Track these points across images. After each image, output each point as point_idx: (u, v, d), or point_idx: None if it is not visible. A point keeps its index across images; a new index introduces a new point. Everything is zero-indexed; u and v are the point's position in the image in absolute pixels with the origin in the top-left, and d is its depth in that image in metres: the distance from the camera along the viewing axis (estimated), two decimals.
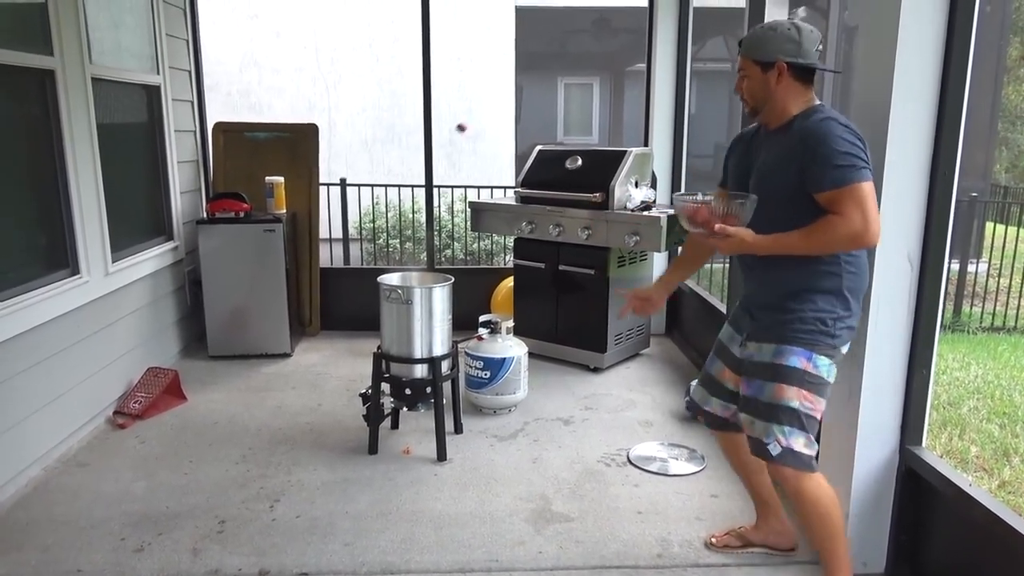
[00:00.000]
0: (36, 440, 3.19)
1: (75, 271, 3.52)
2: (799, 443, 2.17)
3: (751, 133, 2.39)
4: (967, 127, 2.26)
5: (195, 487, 3.08)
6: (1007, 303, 7.86)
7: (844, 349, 2.25)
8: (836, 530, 2.23)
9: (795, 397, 2.17)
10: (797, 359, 2.17)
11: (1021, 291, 7.81)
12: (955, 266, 7.97)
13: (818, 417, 2.21)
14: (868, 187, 2.03)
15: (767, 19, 3.76)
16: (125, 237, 4.05)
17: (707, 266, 7.23)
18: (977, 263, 8.68)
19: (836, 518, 2.23)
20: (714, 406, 2.51)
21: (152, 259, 4.32)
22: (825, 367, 2.18)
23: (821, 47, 2.19)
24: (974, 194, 8.60)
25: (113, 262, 3.82)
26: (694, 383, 2.66)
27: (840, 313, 2.17)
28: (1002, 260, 8.30)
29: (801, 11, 11.12)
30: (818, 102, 2.20)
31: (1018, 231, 8.47)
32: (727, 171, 2.46)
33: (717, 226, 2.13)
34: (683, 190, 5.12)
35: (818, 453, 2.23)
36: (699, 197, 2.24)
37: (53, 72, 3.36)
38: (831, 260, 2.15)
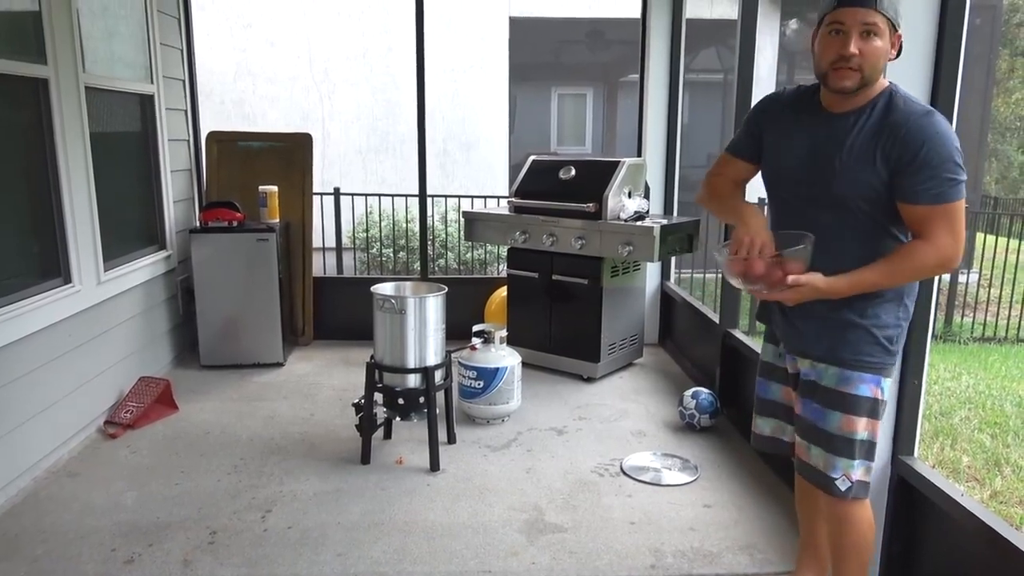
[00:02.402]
0: (26, 450, 3.17)
1: (67, 280, 3.51)
2: (862, 472, 2.01)
3: (795, 101, 2.04)
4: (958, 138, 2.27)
5: (186, 498, 3.06)
6: (998, 313, 7.91)
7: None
8: (865, 562, 2.12)
9: (865, 428, 1.98)
10: (867, 387, 1.96)
11: (1012, 302, 7.86)
12: (946, 276, 8.02)
13: (877, 440, 2.05)
14: (963, 206, 1.80)
15: (759, 30, 3.78)
16: (117, 246, 4.04)
17: (699, 275, 7.25)
18: (968, 273, 8.74)
19: (869, 550, 2.12)
20: (791, 434, 2.20)
21: (144, 268, 4.30)
22: (888, 388, 2.01)
23: None
24: (965, 205, 8.65)
25: (105, 271, 3.81)
26: (756, 419, 2.32)
27: (903, 325, 1.97)
28: (992, 270, 8.36)
29: (793, 23, 11.21)
30: (886, 82, 1.91)
31: (1008, 242, 8.53)
32: (755, 140, 2.12)
33: (791, 278, 1.81)
34: (676, 205, 5.14)
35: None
36: (744, 254, 1.88)
37: (46, 81, 3.36)
38: None
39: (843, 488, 2.01)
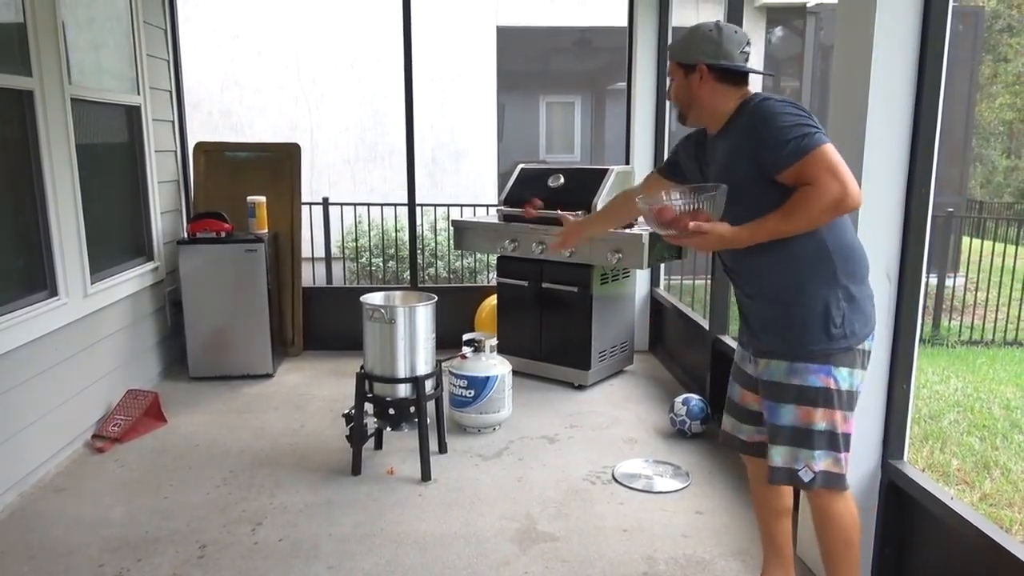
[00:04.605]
0: (12, 465, 3.13)
1: (53, 293, 3.48)
2: (828, 463, 2.03)
3: (700, 134, 2.29)
4: (942, 144, 2.30)
5: (175, 511, 3.04)
6: (984, 316, 7.97)
7: (867, 345, 2.06)
8: (855, 558, 2.11)
9: (822, 419, 2.01)
10: (816, 377, 2.01)
11: (998, 305, 7.92)
12: (933, 280, 8.08)
13: (849, 431, 2.05)
14: (830, 148, 1.90)
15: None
16: (104, 258, 4.01)
17: (689, 282, 7.26)
18: (955, 277, 8.81)
19: (857, 545, 2.11)
20: (748, 433, 2.30)
21: (132, 280, 4.28)
22: (847, 378, 2.02)
23: (748, 49, 2.10)
24: (950, 209, 8.74)
25: (92, 283, 3.78)
26: (724, 415, 2.41)
27: (844, 305, 2.00)
28: (979, 274, 8.42)
29: (778, 30, 11.30)
30: (752, 92, 2.10)
31: (994, 245, 8.61)
32: (674, 163, 2.38)
33: (692, 224, 1.95)
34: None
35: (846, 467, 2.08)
36: (664, 196, 2.04)
37: (32, 93, 3.34)
38: (815, 247, 1.99)
39: (807, 479, 2.04)
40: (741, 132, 2.04)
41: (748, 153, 2.00)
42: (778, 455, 2.08)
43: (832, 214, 1.93)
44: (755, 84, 2.19)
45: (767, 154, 1.95)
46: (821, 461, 2.03)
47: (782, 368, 2.06)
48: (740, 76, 2.09)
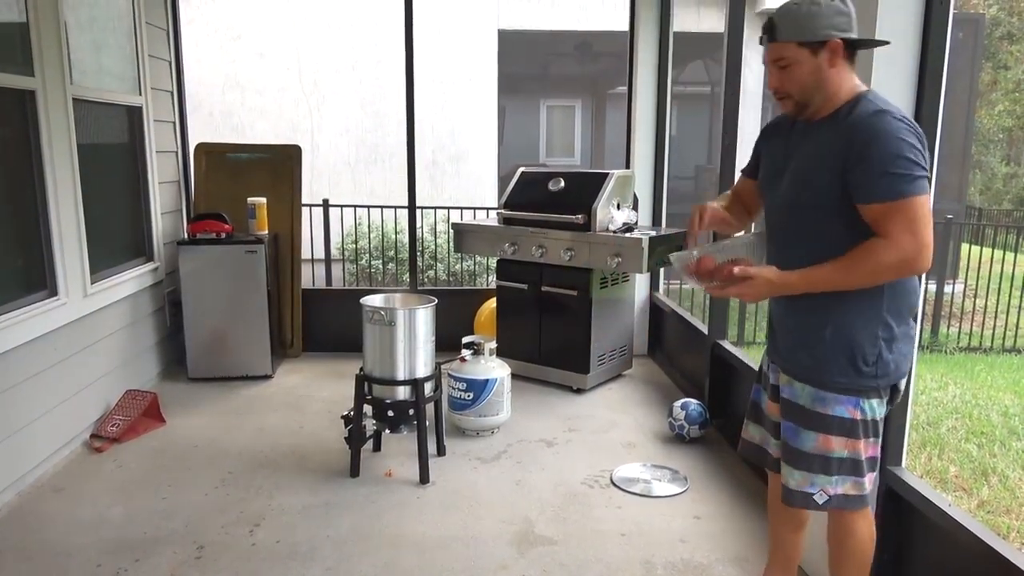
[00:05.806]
0: (10, 465, 3.13)
1: (53, 292, 3.48)
2: (847, 487, 1.96)
3: (782, 121, 2.09)
4: (942, 150, 2.30)
5: (174, 512, 3.04)
6: (983, 323, 7.98)
7: (901, 384, 1.98)
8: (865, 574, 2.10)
9: (842, 447, 1.93)
10: (843, 408, 1.91)
11: (996, 312, 7.93)
12: (932, 287, 8.09)
13: (874, 454, 1.98)
14: (924, 202, 1.73)
15: (746, 43, 3.82)
16: (105, 258, 4.01)
17: (687, 286, 7.27)
18: (954, 284, 8.82)
19: (869, 564, 2.09)
20: (773, 448, 2.17)
21: (132, 280, 4.28)
22: (875, 408, 1.94)
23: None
24: (949, 216, 8.76)
25: (92, 283, 3.78)
26: (747, 425, 2.30)
27: (880, 344, 1.88)
28: (978, 281, 8.44)
29: None
30: (864, 88, 1.90)
31: (992, 252, 8.62)
32: (758, 159, 2.16)
33: (737, 269, 1.83)
34: (664, 217, 5.16)
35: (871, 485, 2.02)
36: (696, 251, 1.91)
37: (34, 92, 3.35)
38: None
39: (821, 502, 1.99)
40: (842, 135, 1.83)
41: (841, 164, 1.81)
42: (792, 478, 2.01)
43: (896, 275, 1.82)
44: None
45: (859, 176, 1.78)
46: (839, 486, 1.97)
47: (807, 393, 1.96)
48: (855, 53, 1.89)
